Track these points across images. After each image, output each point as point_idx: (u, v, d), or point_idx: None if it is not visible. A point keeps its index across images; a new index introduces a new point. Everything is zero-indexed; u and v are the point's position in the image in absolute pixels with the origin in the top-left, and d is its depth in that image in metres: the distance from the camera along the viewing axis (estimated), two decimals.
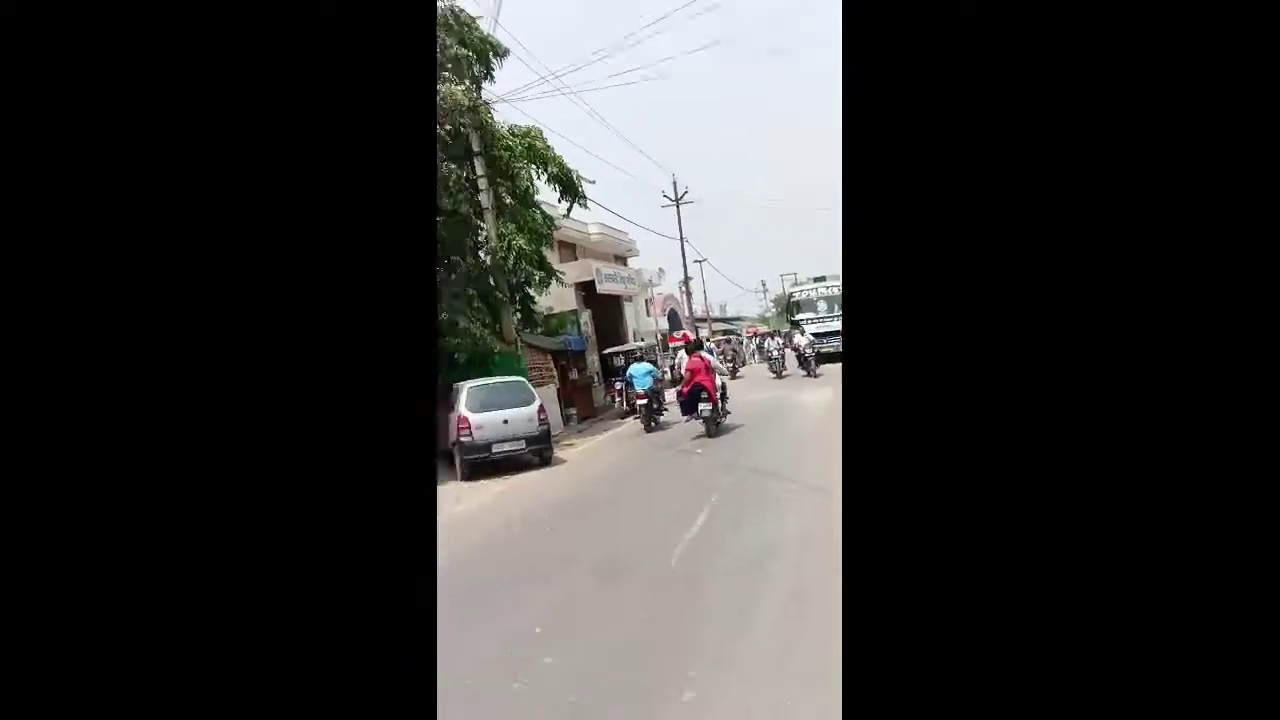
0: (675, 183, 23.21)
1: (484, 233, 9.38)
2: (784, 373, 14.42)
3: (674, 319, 23.58)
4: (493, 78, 10.41)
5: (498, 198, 9.54)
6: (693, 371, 7.87)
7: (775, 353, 15.53)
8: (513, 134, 10.06)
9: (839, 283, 18.40)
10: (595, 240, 18.49)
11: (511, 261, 9.42)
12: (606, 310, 16.01)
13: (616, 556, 3.80)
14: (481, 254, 9.38)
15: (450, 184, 8.77)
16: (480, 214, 9.34)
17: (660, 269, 24.72)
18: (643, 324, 21.05)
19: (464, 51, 9.77)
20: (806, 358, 13.41)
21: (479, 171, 9.23)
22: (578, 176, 11.02)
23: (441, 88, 8.91)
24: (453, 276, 8.78)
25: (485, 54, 10.23)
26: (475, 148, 9.18)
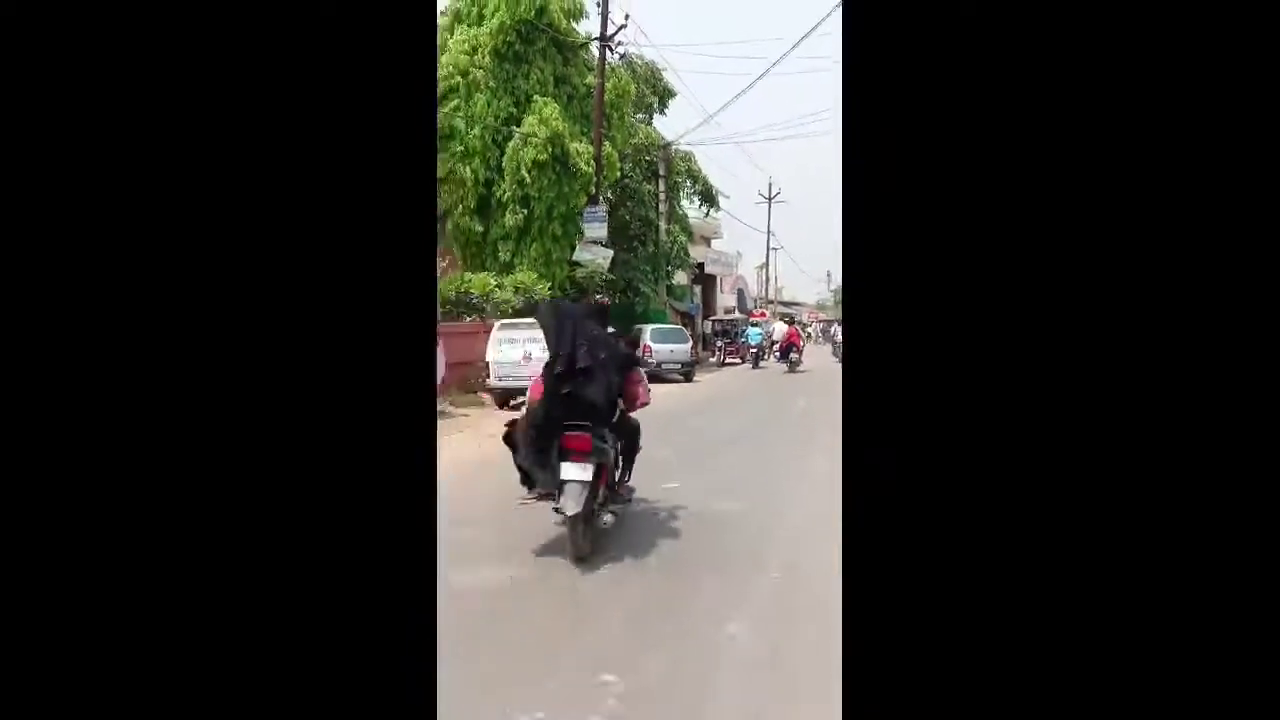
0: (770, 183, 27.49)
1: (661, 229, 14.21)
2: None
3: (740, 298, 27.90)
4: (665, 114, 15.07)
5: (671, 206, 14.36)
6: (789, 335, 13.17)
7: (839, 338, 19.91)
8: (680, 159, 14.80)
9: None
10: (696, 224, 23.10)
11: (674, 250, 14.28)
12: (706, 286, 20.79)
13: (758, 416, 8.36)
14: (660, 243, 14.22)
15: (645, 197, 13.62)
16: (658, 216, 14.17)
17: (738, 251, 29.04)
18: (720, 300, 25.59)
19: (652, 98, 14.44)
20: None
21: (661, 189, 14.02)
22: (716, 191, 15.82)
23: (642, 129, 13.68)
24: (637, 257, 13.62)
25: (665, 98, 14.89)
26: (661, 172, 13.95)
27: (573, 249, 11.61)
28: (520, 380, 6.97)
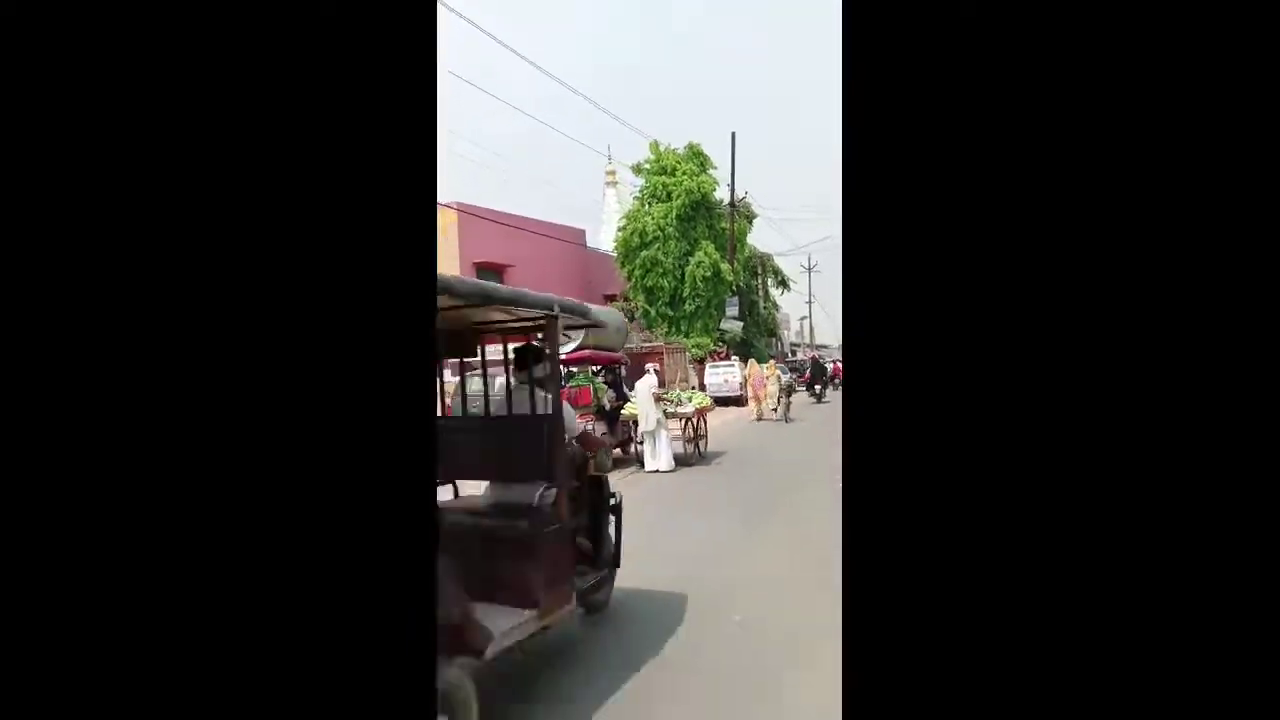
0: (810, 257, 36.60)
1: (760, 306, 23.20)
2: None
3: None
4: (751, 226, 24.05)
5: (766, 291, 23.42)
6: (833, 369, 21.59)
7: None
8: (766, 260, 23.88)
9: None
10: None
11: (769, 318, 23.28)
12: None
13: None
14: (760, 315, 23.18)
15: (754, 290, 22.71)
16: (760, 299, 23.15)
17: (787, 312, 38.18)
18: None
19: (743, 226, 23.47)
20: None
21: (759, 280, 23.04)
22: (785, 277, 24.96)
23: (749, 246, 22.71)
24: (751, 322, 22.46)
25: (752, 219, 23.90)
26: (759, 270, 23.00)
27: (720, 322, 20.37)
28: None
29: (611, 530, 3.31)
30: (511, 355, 3.10)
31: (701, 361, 19.23)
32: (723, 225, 21.04)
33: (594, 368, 8.73)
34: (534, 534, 2.42)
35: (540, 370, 2.87)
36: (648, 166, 20.86)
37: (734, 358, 19.62)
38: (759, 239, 24.33)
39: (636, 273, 20.16)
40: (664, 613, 3.33)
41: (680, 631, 3.12)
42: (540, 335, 2.91)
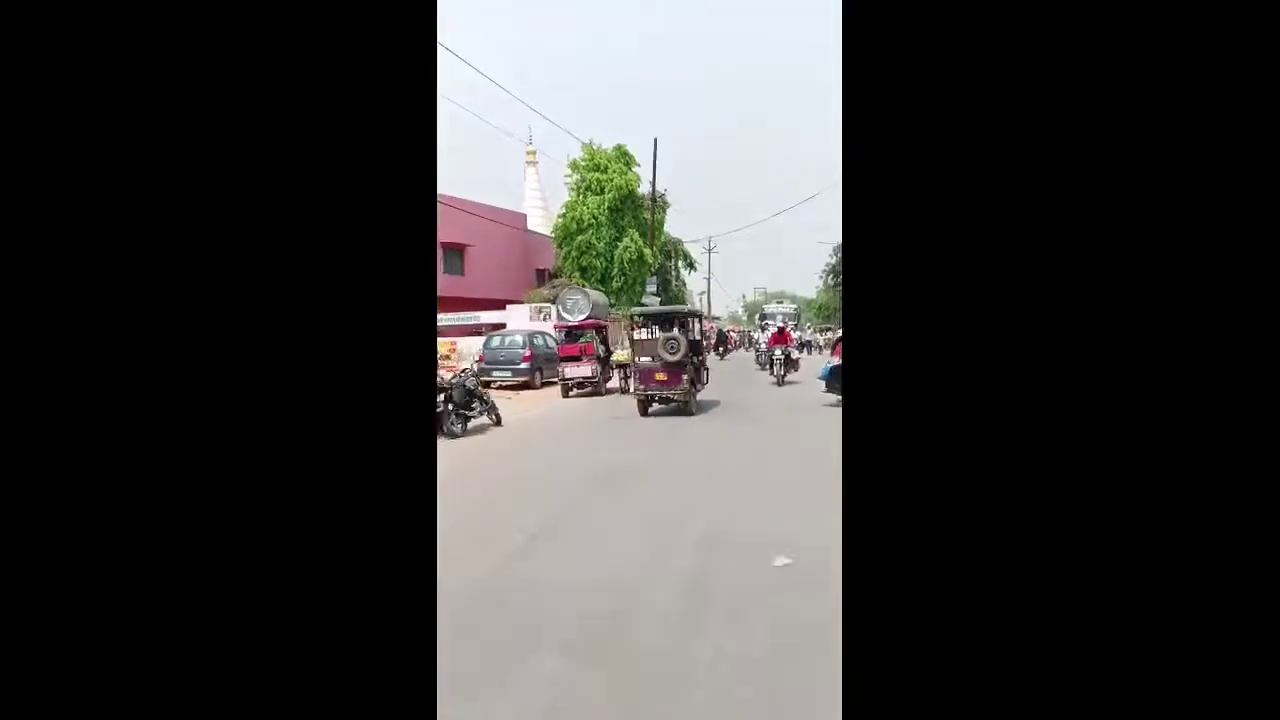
0: (710, 239, 41.76)
1: (673, 283, 28.01)
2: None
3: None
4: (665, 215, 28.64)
5: (677, 270, 28.26)
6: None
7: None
8: (677, 245, 28.68)
9: (793, 305, 37.78)
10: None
11: (680, 293, 28.13)
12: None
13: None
14: (672, 290, 27.99)
15: (668, 271, 27.42)
16: (673, 277, 27.93)
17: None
18: None
19: (661, 216, 28.05)
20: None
21: (673, 262, 27.77)
22: (693, 259, 29.93)
23: (663, 236, 27.32)
24: (667, 296, 27.17)
25: (667, 208, 28.50)
26: (672, 253, 27.72)
27: (642, 296, 24.93)
28: None
29: (703, 375, 9.84)
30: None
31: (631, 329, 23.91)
32: (645, 216, 25.44)
33: (593, 330, 13.67)
34: (683, 365, 9.08)
35: (686, 330, 9.34)
36: (582, 163, 24.83)
37: (653, 327, 24.31)
38: (672, 225, 28.99)
39: (573, 254, 24.21)
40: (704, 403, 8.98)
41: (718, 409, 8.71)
42: (684, 317, 10.26)
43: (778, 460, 6.22)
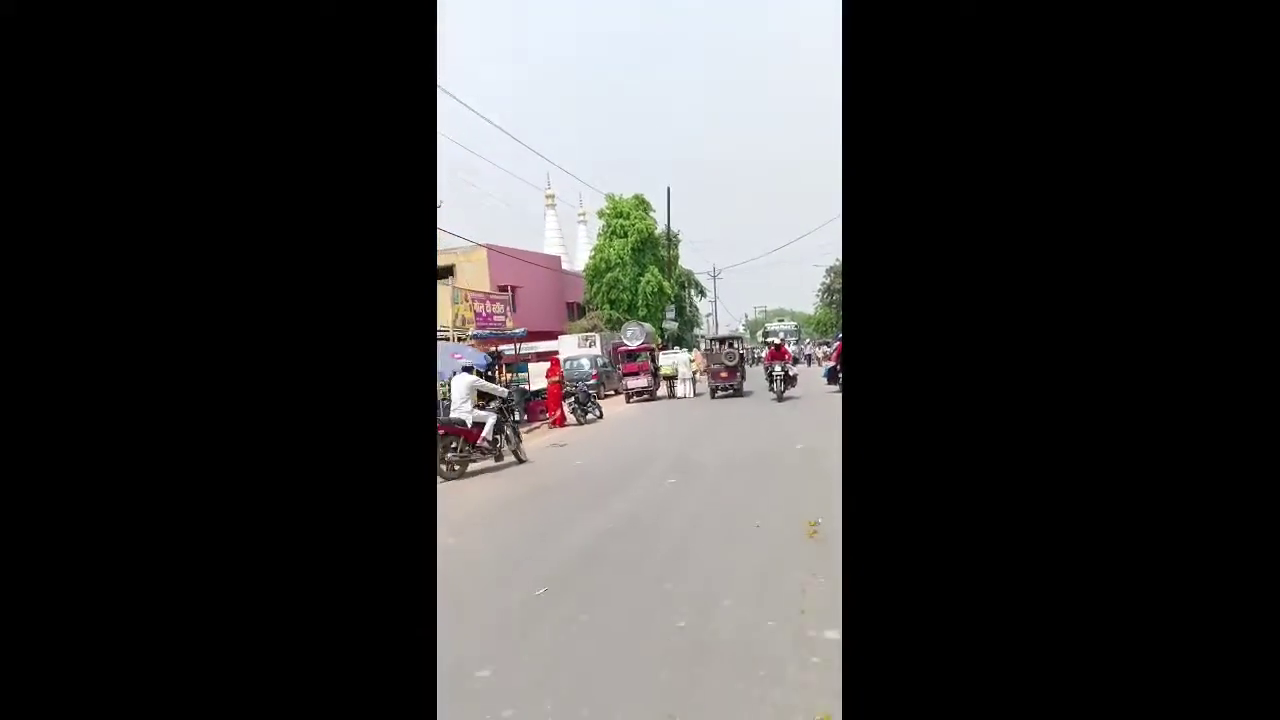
0: (714, 267, 46.51)
1: (687, 309, 32.61)
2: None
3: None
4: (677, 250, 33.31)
5: (690, 298, 32.92)
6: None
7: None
8: (691, 277, 33.34)
9: (793, 322, 42.28)
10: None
11: (694, 317, 32.68)
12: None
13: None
14: (686, 315, 32.57)
15: (684, 300, 32.05)
16: (687, 304, 32.54)
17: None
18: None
19: (675, 253, 32.73)
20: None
21: (686, 290, 32.39)
22: (703, 287, 34.63)
23: (678, 269, 31.99)
24: (682, 321, 31.69)
25: (677, 244, 33.17)
26: (685, 283, 32.34)
27: (662, 321, 29.45)
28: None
29: (745, 373, 14.89)
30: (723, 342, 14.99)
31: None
32: (661, 254, 30.06)
33: (648, 351, 18.55)
34: (737, 367, 14.80)
35: (737, 347, 14.12)
36: (607, 212, 29.52)
37: (674, 347, 28.76)
38: (683, 255, 33.62)
39: (603, 289, 28.76)
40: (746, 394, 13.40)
41: (755, 394, 12.79)
42: (735, 338, 16.42)
43: (794, 417, 10.80)
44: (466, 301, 17.98)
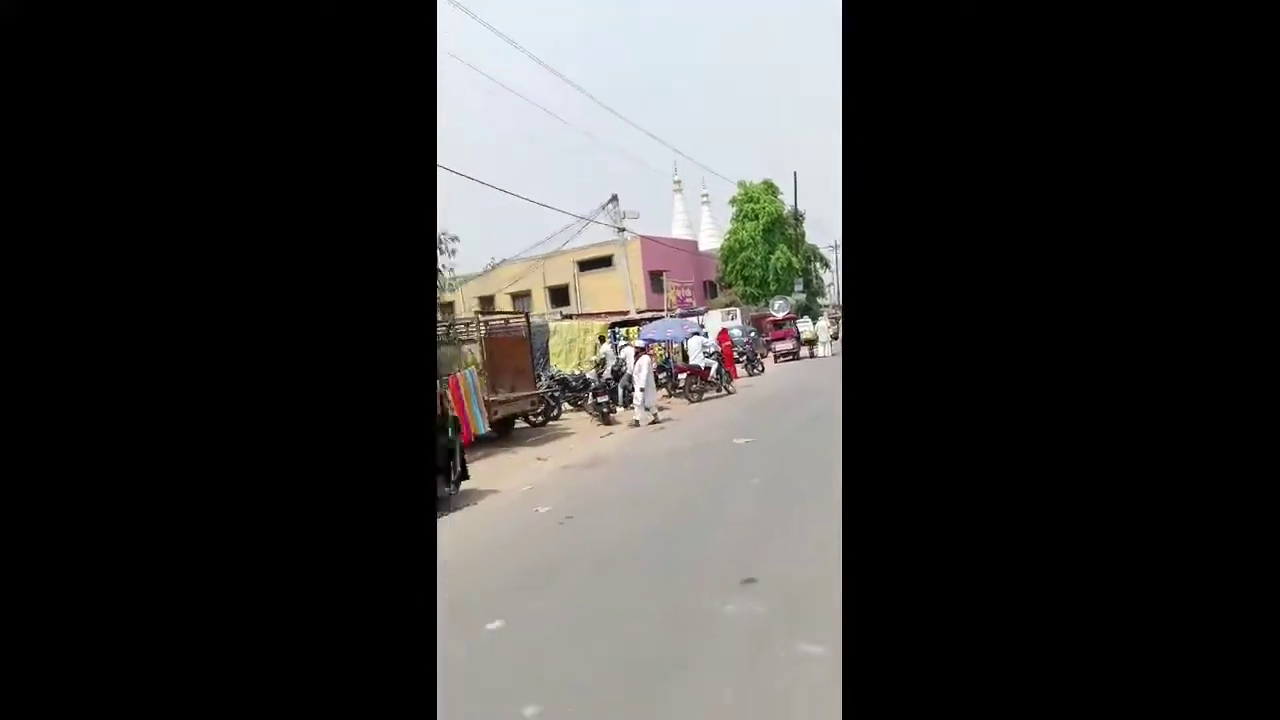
0: (836, 240, 49.16)
1: (814, 279, 36.09)
2: None
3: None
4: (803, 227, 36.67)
5: (817, 270, 36.34)
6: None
7: None
8: (814, 251, 36.71)
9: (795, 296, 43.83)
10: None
11: (821, 288, 36.17)
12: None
13: None
14: (813, 286, 36.08)
15: (811, 270, 35.56)
16: (815, 277, 36.04)
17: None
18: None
19: (802, 230, 36.12)
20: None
21: (812, 264, 35.86)
22: (827, 261, 37.89)
23: (804, 246, 35.46)
24: (809, 292, 35.19)
25: (803, 222, 36.52)
26: (811, 257, 35.77)
27: (792, 295, 33.06)
28: None
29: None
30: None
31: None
32: (790, 232, 33.61)
33: (792, 320, 22.97)
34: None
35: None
36: (740, 197, 33.42)
37: (805, 316, 32.30)
38: (809, 234, 36.90)
39: (736, 267, 32.76)
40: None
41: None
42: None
43: None
44: (674, 290, 23.26)
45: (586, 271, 30.48)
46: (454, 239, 16.71)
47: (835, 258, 47.64)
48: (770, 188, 33.40)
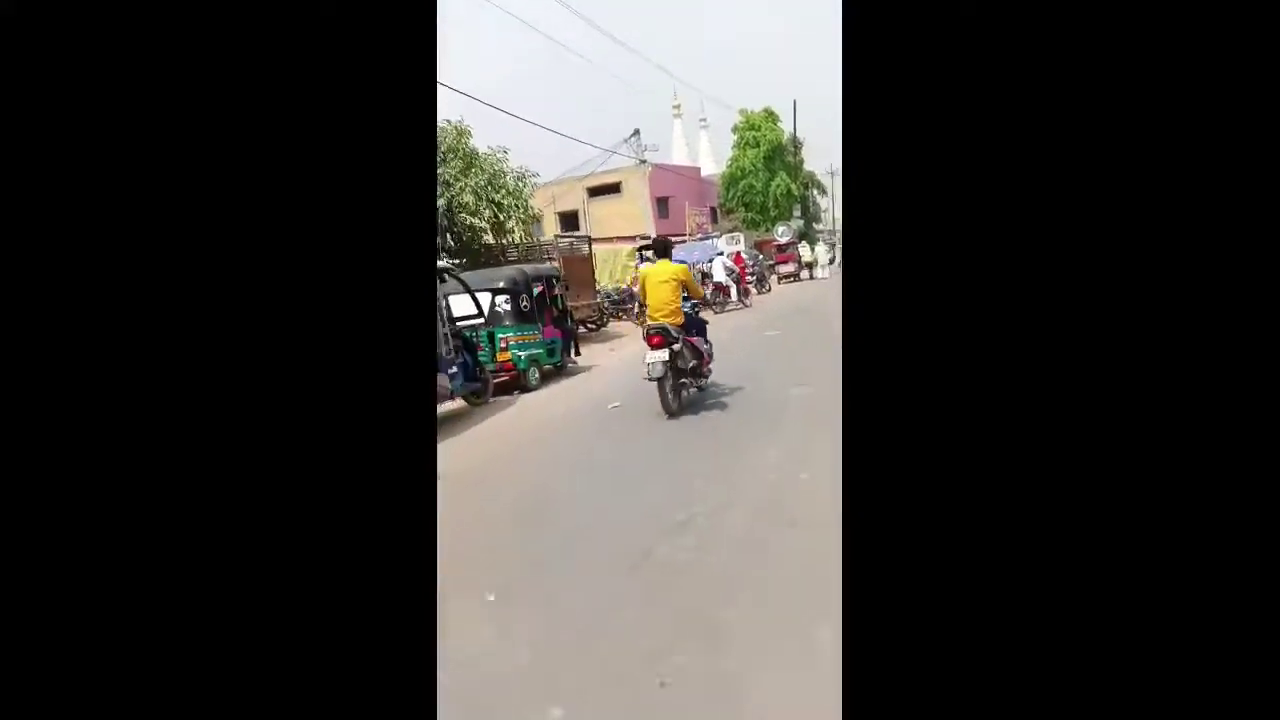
0: (832, 165, 50.91)
1: (811, 205, 38.44)
2: None
3: None
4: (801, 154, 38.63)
5: (814, 197, 38.61)
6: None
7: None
8: (812, 178, 38.84)
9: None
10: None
11: (818, 214, 38.57)
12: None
13: None
14: (810, 212, 38.43)
15: (809, 198, 37.83)
16: (811, 202, 38.34)
17: None
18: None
19: (801, 158, 38.05)
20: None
21: (810, 191, 38.08)
22: (824, 187, 40.07)
23: (803, 173, 37.53)
24: (807, 217, 37.56)
25: (801, 150, 38.43)
26: (808, 184, 37.97)
27: (790, 219, 35.37)
28: None
29: None
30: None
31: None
32: (788, 159, 35.59)
33: (794, 244, 25.56)
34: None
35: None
36: (741, 125, 35.17)
37: (803, 241, 34.67)
38: (808, 161, 38.78)
39: (738, 194, 34.86)
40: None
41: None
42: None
43: None
44: (693, 216, 25.96)
45: (595, 198, 32.45)
46: None
47: (831, 184, 49.74)
48: (771, 115, 35.10)
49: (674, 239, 23.33)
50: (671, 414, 5.53)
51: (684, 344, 5.61)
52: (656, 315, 5.66)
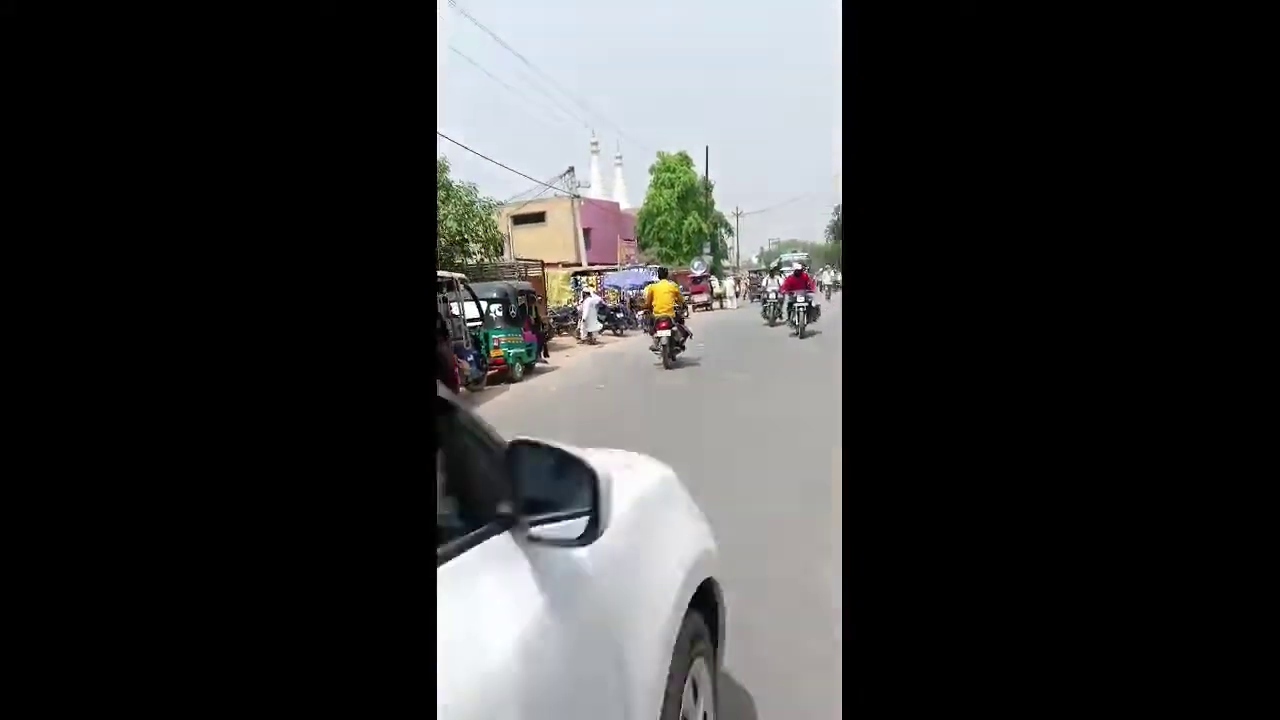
0: (737, 206, 55.46)
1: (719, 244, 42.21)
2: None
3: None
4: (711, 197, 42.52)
5: (721, 236, 42.48)
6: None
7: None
8: (720, 219, 42.77)
9: (805, 253, 51.32)
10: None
11: (724, 252, 42.39)
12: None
13: None
14: (718, 251, 42.25)
15: (717, 236, 41.59)
16: (719, 242, 42.14)
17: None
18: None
19: (711, 200, 41.90)
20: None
21: (717, 230, 41.86)
22: (731, 227, 44.18)
23: (713, 213, 41.34)
24: (715, 255, 41.25)
25: (712, 190, 42.33)
26: (717, 224, 41.73)
27: (700, 256, 38.89)
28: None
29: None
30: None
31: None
32: (699, 201, 39.26)
33: (707, 277, 29.49)
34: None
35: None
36: (658, 166, 38.56)
37: (711, 276, 38.16)
38: (715, 201, 42.57)
39: (654, 230, 38.07)
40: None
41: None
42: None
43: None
44: (624, 248, 29.31)
45: (519, 225, 34.59)
46: None
47: (737, 224, 54.23)
48: (685, 159, 38.74)
49: (605, 268, 28.03)
50: (669, 367, 11.18)
51: (676, 328, 11.36)
52: (661, 311, 11.33)
